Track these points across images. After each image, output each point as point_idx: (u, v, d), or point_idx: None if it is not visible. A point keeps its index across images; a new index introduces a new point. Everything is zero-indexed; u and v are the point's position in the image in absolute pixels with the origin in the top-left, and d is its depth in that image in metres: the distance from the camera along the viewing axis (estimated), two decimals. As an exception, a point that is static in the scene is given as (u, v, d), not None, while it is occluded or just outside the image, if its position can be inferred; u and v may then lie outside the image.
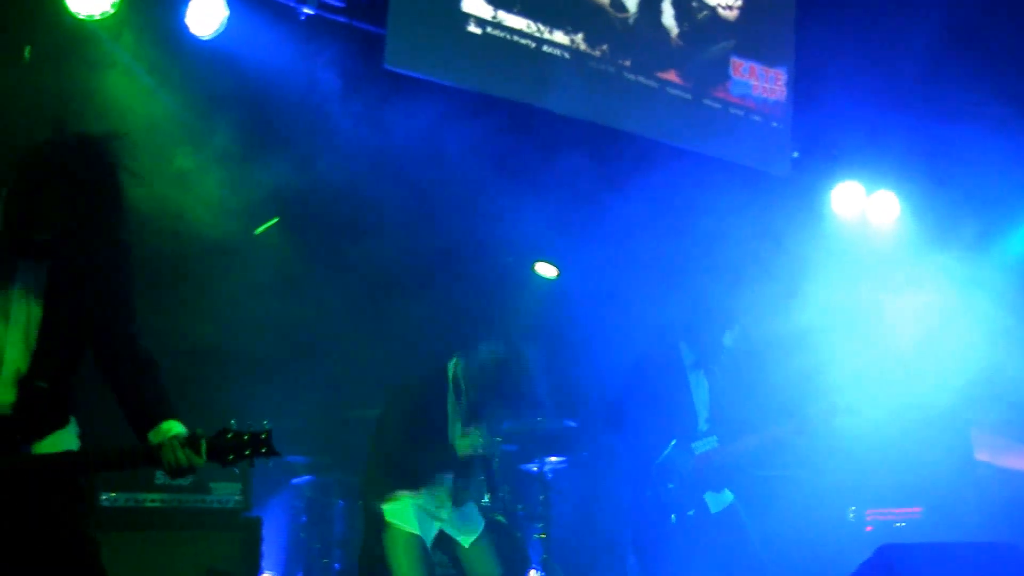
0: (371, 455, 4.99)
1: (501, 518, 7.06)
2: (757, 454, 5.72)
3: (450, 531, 4.83)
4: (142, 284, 5.74)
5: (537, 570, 7.04)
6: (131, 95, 5.58)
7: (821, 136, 7.86)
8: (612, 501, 7.17)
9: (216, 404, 6.15)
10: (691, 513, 5.41)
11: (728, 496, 5.51)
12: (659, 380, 5.53)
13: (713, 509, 5.43)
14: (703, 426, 5.57)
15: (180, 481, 5.21)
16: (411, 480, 4.77)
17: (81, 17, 5.19)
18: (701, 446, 5.51)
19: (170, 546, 5.14)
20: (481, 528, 4.98)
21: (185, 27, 5.51)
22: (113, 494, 5.07)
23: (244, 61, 5.71)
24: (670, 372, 5.58)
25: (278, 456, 3.23)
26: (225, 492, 5.42)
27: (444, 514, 4.82)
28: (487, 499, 7.08)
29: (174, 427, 3.17)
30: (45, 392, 2.98)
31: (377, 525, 4.75)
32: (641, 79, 6.68)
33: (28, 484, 2.96)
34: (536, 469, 7.44)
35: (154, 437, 3.14)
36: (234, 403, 6.38)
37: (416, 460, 4.73)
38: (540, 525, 7.25)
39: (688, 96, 6.88)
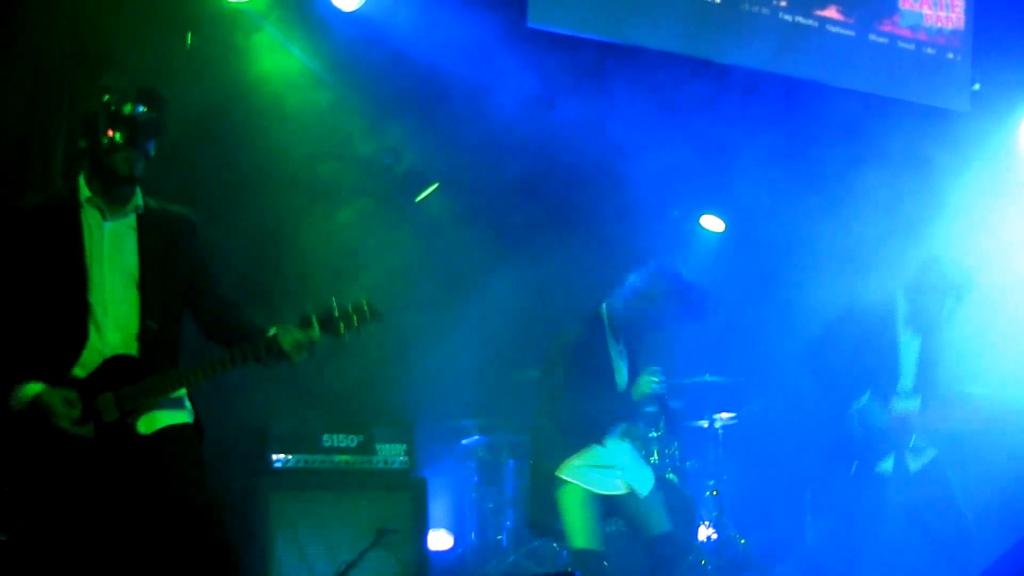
0: (539, 413, 4.93)
1: (672, 476, 7.00)
2: (958, 426, 5.33)
3: (629, 480, 4.75)
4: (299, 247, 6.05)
5: (709, 526, 6.95)
6: (286, 72, 5.79)
7: (1008, 63, 7.27)
8: (790, 456, 6.95)
9: (386, 365, 6.36)
10: (883, 470, 5.13)
11: (931, 452, 5.20)
12: (865, 330, 5.24)
13: (913, 468, 5.17)
14: (907, 385, 5.26)
15: (347, 443, 5.51)
16: (585, 436, 4.69)
17: (232, 2, 5.38)
18: (902, 404, 5.23)
19: (340, 506, 5.34)
20: (654, 479, 4.89)
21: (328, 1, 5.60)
22: (283, 456, 5.28)
23: (392, 29, 5.77)
24: (878, 324, 5.30)
25: (381, 316, 3.42)
26: (391, 453, 5.58)
27: (621, 462, 4.74)
28: (656, 458, 7.05)
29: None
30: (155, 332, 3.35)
31: (548, 482, 4.70)
32: (799, 19, 6.36)
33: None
34: (706, 425, 7.33)
35: (269, 333, 3.42)
36: (402, 366, 6.60)
37: (588, 413, 4.66)
38: (711, 482, 7.15)
39: (851, 32, 6.51)
